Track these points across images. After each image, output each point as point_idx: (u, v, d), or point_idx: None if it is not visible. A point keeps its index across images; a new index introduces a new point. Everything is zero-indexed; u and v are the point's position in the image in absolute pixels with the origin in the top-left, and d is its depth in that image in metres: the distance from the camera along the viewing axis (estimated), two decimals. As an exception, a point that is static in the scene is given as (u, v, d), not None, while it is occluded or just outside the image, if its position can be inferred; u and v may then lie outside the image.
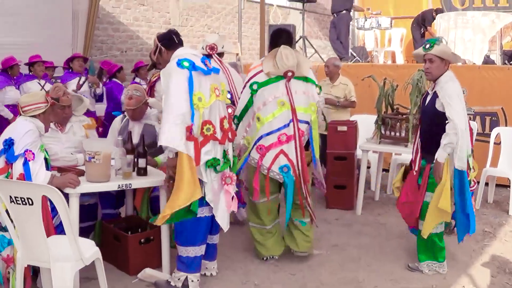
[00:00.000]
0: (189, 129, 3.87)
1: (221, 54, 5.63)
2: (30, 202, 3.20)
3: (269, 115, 4.58)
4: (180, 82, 3.91)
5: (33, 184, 3.17)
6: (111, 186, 4.18)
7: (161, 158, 4.98)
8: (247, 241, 5.23)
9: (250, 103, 4.65)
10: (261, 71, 4.64)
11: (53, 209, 4.05)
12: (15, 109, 6.43)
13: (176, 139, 3.82)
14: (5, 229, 3.78)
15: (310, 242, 4.90)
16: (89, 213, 4.92)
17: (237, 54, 11.21)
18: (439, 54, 4.39)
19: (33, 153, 3.93)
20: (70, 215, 3.33)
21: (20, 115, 4.19)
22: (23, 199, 3.20)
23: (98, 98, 8.19)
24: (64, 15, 9.31)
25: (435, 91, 4.43)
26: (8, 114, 6.97)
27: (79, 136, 4.95)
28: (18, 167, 3.89)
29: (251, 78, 4.69)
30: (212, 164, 4.03)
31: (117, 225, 4.83)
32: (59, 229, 4.08)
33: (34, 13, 8.74)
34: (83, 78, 7.85)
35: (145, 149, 4.41)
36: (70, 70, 8.03)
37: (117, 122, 5.31)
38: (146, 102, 5.11)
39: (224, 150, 4.18)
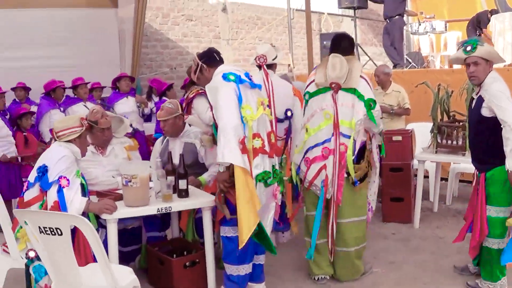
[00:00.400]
0: (243, 141, 3.77)
1: (273, 66, 5.40)
2: (59, 232, 3.04)
3: (316, 127, 4.44)
4: (228, 95, 3.83)
5: (61, 214, 3.02)
6: (150, 210, 4.01)
7: (205, 177, 4.80)
8: (299, 260, 5.03)
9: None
10: (314, 80, 4.52)
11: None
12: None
13: (232, 154, 3.71)
14: (42, 259, 3.67)
15: (349, 269, 4.59)
16: (133, 236, 4.80)
17: (289, 65, 10.96)
18: (485, 55, 4.02)
19: (68, 180, 3.81)
20: (101, 243, 3.13)
21: (55, 140, 4.08)
22: (51, 230, 3.05)
23: (147, 118, 8.10)
24: (110, 35, 9.33)
25: (480, 96, 4.06)
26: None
27: (120, 158, 4.82)
28: (52, 195, 3.78)
29: (306, 87, 4.60)
30: (263, 177, 3.91)
31: (162, 248, 4.66)
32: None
33: (81, 34, 8.79)
34: (129, 98, 7.77)
35: (186, 170, 4.22)
36: (117, 91, 7.96)
37: (158, 144, 5.17)
38: (181, 117, 4.92)
39: (273, 165, 4.05)
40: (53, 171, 3.84)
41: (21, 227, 3.83)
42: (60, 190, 3.77)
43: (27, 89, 7.55)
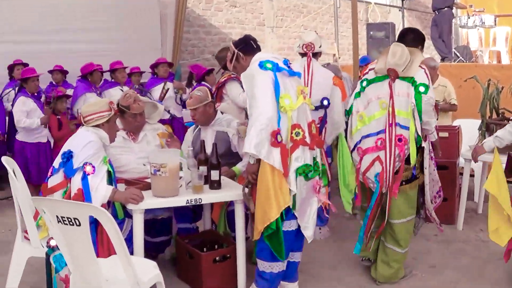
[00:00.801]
0: (275, 135, 3.52)
1: (317, 54, 5.20)
2: (78, 223, 2.83)
3: (371, 115, 4.19)
4: (265, 84, 3.59)
5: (79, 204, 2.81)
6: (179, 201, 3.79)
7: (239, 168, 4.55)
8: (336, 258, 4.80)
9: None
10: (373, 68, 4.30)
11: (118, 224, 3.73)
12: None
13: (259, 146, 3.48)
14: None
15: (388, 271, 4.30)
16: (163, 227, 4.58)
17: (334, 55, 10.63)
18: None
19: (93, 166, 3.62)
20: (121, 235, 2.92)
21: (83, 125, 3.89)
22: (69, 219, 2.84)
23: (185, 104, 7.89)
24: (151, 19, 9.14)
25: None
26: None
27: (153, 145, 4.60)
28: (76, 182, 3.60)
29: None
30: (304, 171, 3.67)
31: (192, 241, 4.45)
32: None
33: (121, 18, 8.64)
34: (168, 84, 7.56)
35: (219, 160, 3.98)
36: (155, 76, 7.78)
37: (189, 132, 4.94)
38: (211, 105, 4.68)
39: (314, 157, 3.80)
40: (78, 157, 3.66)
41: (41, 217, 3.66)
42: (84, 177, 3.59)
43: (64, 72, 7.44)
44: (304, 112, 3.78)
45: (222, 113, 4.83)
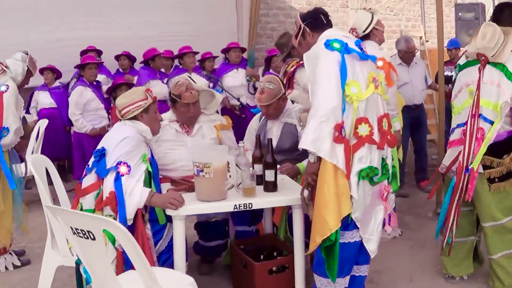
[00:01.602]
0: (339, 128, 2.94)
1: (370, 34, 4.62)
2: (92, 237, 2.39)
3: (460, 105, 3.70)
4: (329, 68, 3.00)
5: (90, 216, 2.38)
6: (225, 206, 3.29)
7: (304, 164, 3.97)
8: (411, 268, 4.22)
9: None
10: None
11: (156, 232, 3.30)
12: (162, 105, 5.87)
13: (318, 142, 2.92)
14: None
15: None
16: (217, 231, 4.13)
17: (421, 38, 9.75)
18: None
19: (129, 166, 3.19)
20: (139, 250, 2.45)
21: (120, 120, 3.48)
22: (84, 232, 2.41)
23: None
24: (227, 1, 8.67)
25: None
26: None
27: (208, 139, 4.12)
28: (108, 184, 3.18)
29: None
30: (368, 174, 3.06)
31: (248, 246, 3.97)
32: (166, 256, 3.31)
33: (196, 1, 8.20)
34: (239, 71, 7.09)
35: (274, 158, 3.45)
36: (227, 62, 7.31)
37: (254, 121, 4.42)
38: (285, 98, 4.13)
39: (383, 158, 3.16)
40: (112, 156, 3.24)
41: (77, 218, 3.28)
42: (118, 179, 3.16)
43: (131, 58, 7.14)
44: (375, 104, 3.15)
45: (292, 102, 4.28)
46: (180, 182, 3.55)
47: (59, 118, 6.88)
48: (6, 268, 4.34)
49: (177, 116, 4.07)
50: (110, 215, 3.14)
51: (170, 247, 3.33)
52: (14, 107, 4.27)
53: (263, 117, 4.29)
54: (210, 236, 4.13)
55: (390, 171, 3.24)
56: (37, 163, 3.44)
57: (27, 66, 4.44)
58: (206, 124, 4.18)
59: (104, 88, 6.65)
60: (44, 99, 7.05)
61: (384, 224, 3.33)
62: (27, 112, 7.10)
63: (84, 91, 6.20)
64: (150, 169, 3.36)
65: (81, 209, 3.25)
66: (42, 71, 6.96)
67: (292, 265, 3.53)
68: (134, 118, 3.43)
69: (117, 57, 7.12)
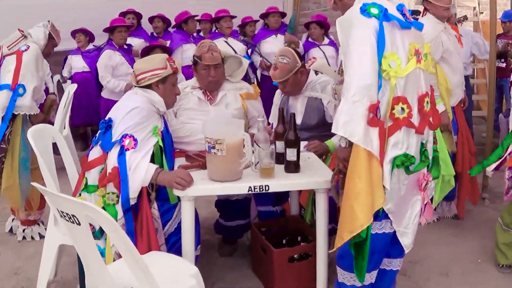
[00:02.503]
0: (374, 109, 2.55)
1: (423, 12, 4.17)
2: (77, 221, 2.12)
3: None
4: (364, 37, 2.58)
5: (73, 200, 2.09)
6: (239, 188, 2.96)
7: (334, 142, 3.62)
8: (449, 259, 3.83)
9: None
10: None
11: (165, 212, 3.02)
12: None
13: (350, 125, 2.54)
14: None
15: None
16: (238, 210, 3.83)
17: (474, 8, 9.06)
18: None
19: (135, 139, 2.91)
20: (126, 239, 2.15)
21: (135, 86, 3.20)
22: (69, 216, 2.15)
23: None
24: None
25: None
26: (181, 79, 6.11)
27: (232, 108, 3.80)
28: (112, 158, 2.91)
29: None
30: (403, 162, 2.65)
31: (270, 229, 3.68)
32: (175, 238, 3.04)
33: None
34: (278, 37, 6.69)
35: (297, 135, 3.09)
36: (266, 27, 6.91)
37: (277, 95, 4.07)
38: (303, 71, 3.75)
39: (422, 143, 2.76)
40: (118, 128, 2.97)
41: (80, 194, 3.03)
42: (122, 153, 2.88)
43: (166, 21, 6.82)
44: (417, 81, 2.72)
45: (316, 73, 3.89)
46: (194, 157, 3.24)
47: (92, 82, 6.65)
48: (32, 238, 4.24)
49: (198, 81, 3.78)
50: (113, 193, 2.89)
51: (180, 229, 3.06)
52: (34, 67, 4.04)
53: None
54: (231, 215, 3.84)
55: (431, 157, 2.86)
56: (40, 134, 3.19)
57: (48, 31, 4.22)
58: (231, 92, 3.85)
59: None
60: (77, 63, 6.86)
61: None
62: (61, 77, 6.95)
63: (112, 55, 5.95)
64: (161, 144, 3.07)
65: (86, 184, 3.01)
66: (74, 33, 6.78)
67: (315, 253, 3.20)
68: (149, 87, 3.14)
69: (151, 20, 6.83)
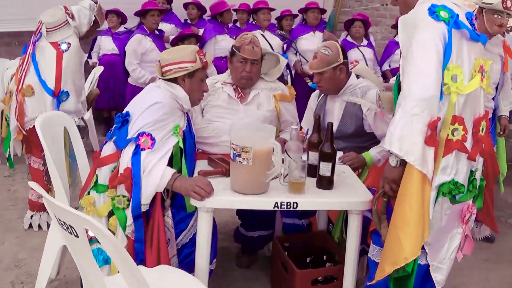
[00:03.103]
0: (434, 126, 2.24)
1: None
2: (75, 233, 1.84)
3: None
4: (431, 42, 2.26)
5: (70, 212, 1.78)
6: (264, 203, 2.62)
7: (372, 154, 3.31)
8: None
9: None
10: None
11: (180, 221, 2.73)
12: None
13: (406, 142, 2.23)
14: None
15: None
16: (261, 220, 3.50)
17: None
18: None
19: (153, 138, 2.62)
20: (124, 253, 1.86)
21: (159, 79, 2.90)
22: (67, 227, 1.87)
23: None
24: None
25: None
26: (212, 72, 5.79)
27: (264, 110, 3.49)
28: (125, 158, 2.61)
29: None
30: (451, 191, 2.34)
31: (294, 244, 3.36)
32: (188, 250, 2.74)
33: None
34: (316, 34, 6.35)
35: (334, 148, 2.76)
36: (304, 23, 6.57)
37: (312, 99, 3.74)
38: (343, 68, 3.39)
39: (471, 171, 2.44)
40: (136, 123, 2.68)
41: (88, 192, 2.76)
42: (137, 153, 2.58)
43: (201, 8, 6.52)
44: (476, 101, 2.41)
45: (358, 77, 3.55)
46: (218, 162, 2.93)
47: (120, 65, 6.39)
48: (40, 227, 4.02)
49: (231, 74, 3.49)
50: (124, 196, 2.60)
51: (195, 240, 2.76)
52: (75, 69, 3.83)
53: (321, 95, 3.61)
54: (253, 225, 3.54)
55: (478, 186, 2.52)
56: (50, 122, 2.91)
57: (94, 16, 3.96)
58: (264, 92, 3.55)
59: (170, 38, 6.12)
60: (106, 44, 6.62)
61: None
62: (89, 57, 6.70)
63: (143, 40, 5.67)
64: (181, 145, 2.76)
65: (96, 182, 2.72)
66: (106, 14, 6.50)
67: (342, 276, 2.88)
68: (175, 80, 2.84)
69: (186, 6, 6.54)
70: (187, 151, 2.84)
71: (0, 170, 5.01)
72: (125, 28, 6.66)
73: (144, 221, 2.60)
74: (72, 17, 3.86)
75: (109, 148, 2.74)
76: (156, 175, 2.56)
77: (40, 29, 3.80)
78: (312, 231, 3.54)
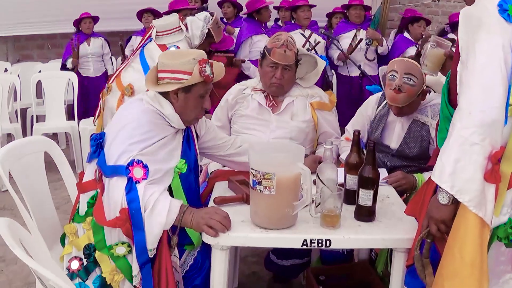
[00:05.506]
0: (496, 159, 1.80)
1: None
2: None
3: None
4: (499, 52, 1.77)
5: (34, 266, 1.39)
6: (289, 240, 2.18)
7: (425, 177, 2.79)
8: None
9: None
10: None
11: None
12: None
13: (460, 177, 1.80)
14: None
15: None
16: (294, 248, 3.05)
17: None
18: None
19: (145, 166, 2.16)
20: None
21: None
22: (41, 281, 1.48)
23: (382, 59, 6.05)
24: None
25: None
26: (253, 72, 5.39)
27: (299, 120, 3.10)
28: (117, 195, 2.13)
29: None
30: (508, 235, 1.88)
31: (331, 277, 2.91)
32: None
33: None
34: (361, 33, 5.87)
35: (377, 172, 2.29)
36: (346, 20, 6.10)
37: (370, 105, 3.23)
38: (424, 91, 2.90)
39: None
40: (111, 147, 2.22)
41: (73, 220, 2.35)
42: (131, 188, 2.12)
43: (237, 6, 6.14)
44: None
45: (428, 91, 3.02)
46: (238, 186, 2.51)
47: (152, 66, 6.10)
48: None
49: (261, 79, 3.12)
50: (123, 243, 2.17)
51: (199, 268, 2.36)
52: None
53: (385, 102, 3.11)
54: (285, 253, 3.12)
55: None
56: (18, 152, 2.45)
57: (208, 28, 3.78)
58: (299, 99, 3.15)
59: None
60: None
61: None
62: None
63: None
64: (180, 167, 2.32)
65: (77, 213, 2.32)
66: (140, 13, 6.25)
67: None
68: (166, 93, 2.36)
69: (220, 4, 6.18)
70: (194, 174, 2.44)
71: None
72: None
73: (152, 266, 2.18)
74: (186, 28, 3.74)
75: (89, 173, 2.31)
76: (161, 212, 2.11)
77: (150, 34, 3.68)
78: (352, 261, 3.10)
